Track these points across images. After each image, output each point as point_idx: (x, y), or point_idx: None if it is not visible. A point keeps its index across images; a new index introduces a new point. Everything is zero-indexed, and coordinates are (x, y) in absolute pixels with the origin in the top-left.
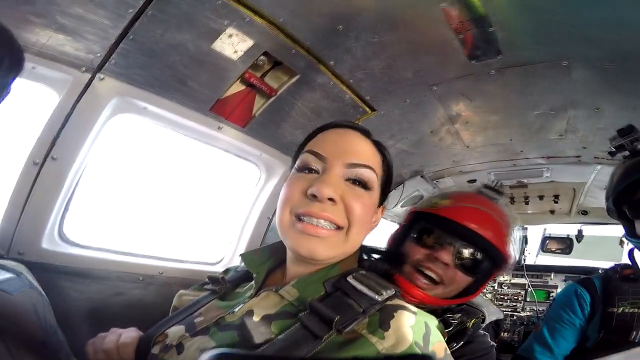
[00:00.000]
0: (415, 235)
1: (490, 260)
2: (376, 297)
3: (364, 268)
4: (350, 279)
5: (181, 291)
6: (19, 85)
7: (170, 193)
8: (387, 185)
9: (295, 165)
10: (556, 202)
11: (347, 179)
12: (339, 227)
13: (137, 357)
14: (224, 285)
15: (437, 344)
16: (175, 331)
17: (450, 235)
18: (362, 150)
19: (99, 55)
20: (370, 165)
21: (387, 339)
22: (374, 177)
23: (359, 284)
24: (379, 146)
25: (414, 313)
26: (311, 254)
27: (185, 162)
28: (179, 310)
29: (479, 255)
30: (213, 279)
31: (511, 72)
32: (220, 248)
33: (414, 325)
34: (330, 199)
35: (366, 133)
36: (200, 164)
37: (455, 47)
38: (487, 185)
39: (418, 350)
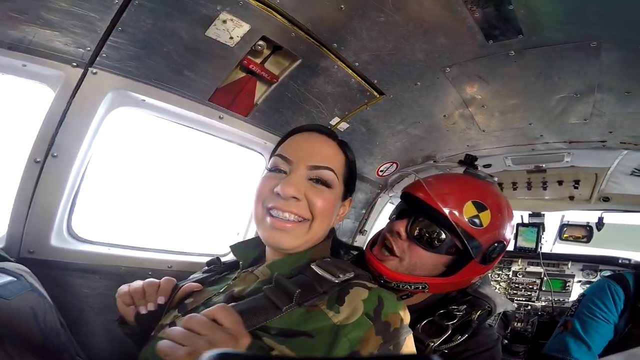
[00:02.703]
0: (392, 214)
1: (445, 232)
2: (333, 279)
3: (338, 256)
4: (313, 266)
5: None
6: (14, 83)
7: (177, 186)
8: (351, 181)
9: (268, 166)
10: (576, 188)
11: (310, 179)
12: (303, 219)
13: (140, 339)
14: (219, 265)
15: (392, 315)
16: (170, 314)
17: (407, 208)
18: (324, 153)
19: (88, 49)
20: (330, 166)
21: (342, 312)
22: (333, 177)
23: (320, 270)
24: (343, 146)
25: (369, 289)
26: (278, 245)
27: (191, 154)
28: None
29: (431, 227)
30: (210, 262)
31: (533, 53)
32: (229, 239)
33: (366, 299)
34: (294, 197)
35: (331, 135)
36: (206, 156)
37: (470, 26)
38: (461, 161)
39: (369, 321)
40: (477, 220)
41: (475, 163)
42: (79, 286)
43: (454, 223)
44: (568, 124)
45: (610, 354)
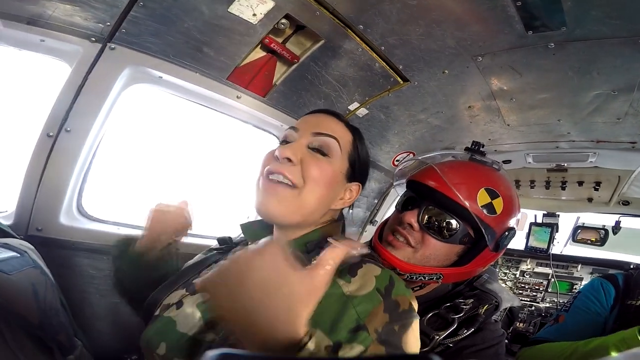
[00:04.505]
0: (398, 203)
1: (458, 220)
2: None
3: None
4: (330, 239)
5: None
6: (30, 58)
7: (191, 165)
8: (359, 163)
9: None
10: (596, 190)
11: (311, 147)
12: (293, 185)
13: (143, 319)
14: (230, 245)
15: (401, 296)
16: (176, 293)
17: (416, 197)
18: (330, 125)
19: (108, 24)
20: (333, 135)
21: (353, 283)
22: (335, 145)
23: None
24: (352, 129)
25: (381, 267)
26: (266, 211)
27: (207, 133)
28: (181, 273)
29: (442, 216)
30: (221, 240)
31: (573, 46)
32: (239, 222)
33: (378, 275)
34: (288, 159)
35: (341, 117)
36: (221, 136)
37: (510, 14)
38: (467, 148)
39: (379, 296)
40: (490, 208)
41: (483, 150)
42: (86, 267)
43: (470, 211)
44: (599, 122)
45: None
